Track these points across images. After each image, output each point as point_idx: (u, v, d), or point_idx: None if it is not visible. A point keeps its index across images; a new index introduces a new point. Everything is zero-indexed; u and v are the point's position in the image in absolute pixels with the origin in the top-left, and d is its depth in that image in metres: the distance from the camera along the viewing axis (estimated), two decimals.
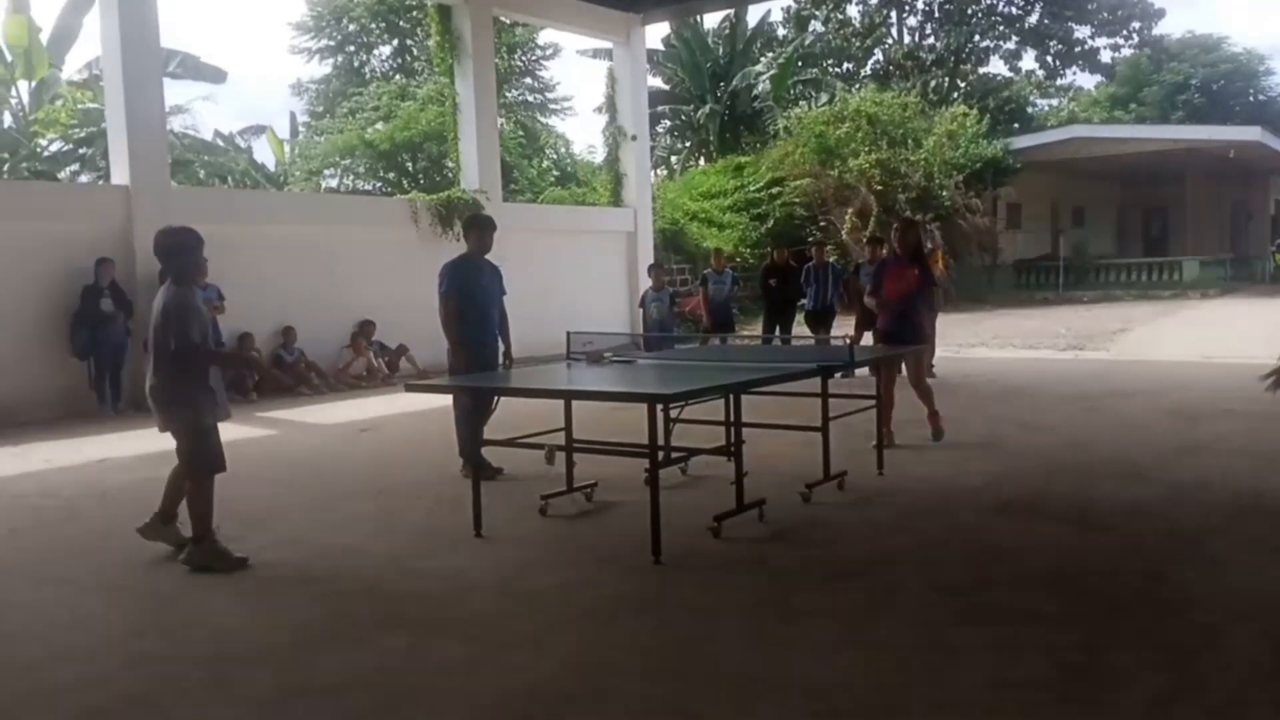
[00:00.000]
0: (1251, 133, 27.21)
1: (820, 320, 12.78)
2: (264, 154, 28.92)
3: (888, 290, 7.84)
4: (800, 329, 13.78)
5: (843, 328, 12.46)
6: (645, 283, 13.79)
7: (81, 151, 23.20)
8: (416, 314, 14.36)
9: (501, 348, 7.31)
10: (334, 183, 27.09)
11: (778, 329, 13.10)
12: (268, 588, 4.84)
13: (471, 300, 7.01)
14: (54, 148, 23.08)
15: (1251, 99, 43.55)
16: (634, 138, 18.62)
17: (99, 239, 11.18)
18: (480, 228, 7.23)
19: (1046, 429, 8.57)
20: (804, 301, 13.20)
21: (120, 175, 11.75)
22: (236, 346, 12.01)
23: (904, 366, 7.87)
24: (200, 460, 5.12)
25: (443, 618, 4.35)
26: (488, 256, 7.26)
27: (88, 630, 4.36)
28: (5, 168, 21.13)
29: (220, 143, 27.44)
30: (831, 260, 13.73)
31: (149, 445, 9.04)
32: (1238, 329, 16.84)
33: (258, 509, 6.46)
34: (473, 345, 7.00)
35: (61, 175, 22.48)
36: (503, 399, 6.47)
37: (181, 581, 4.98)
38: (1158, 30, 44.20)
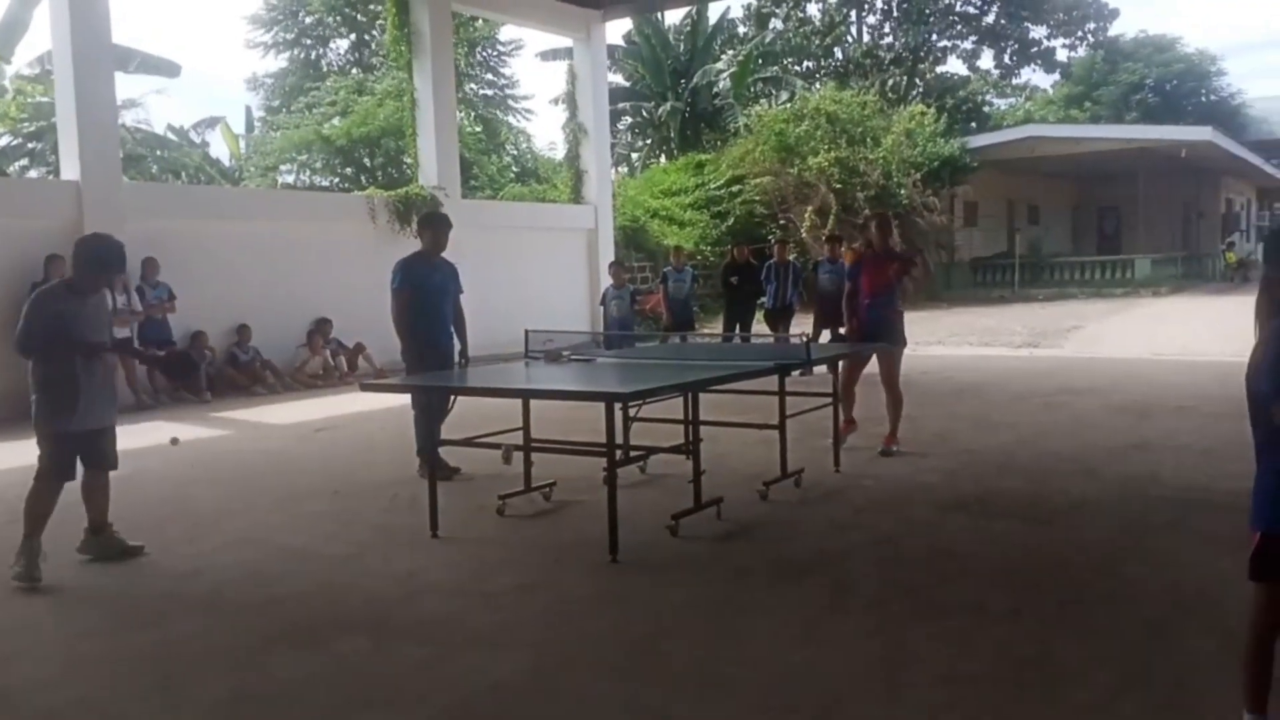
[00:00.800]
0: (1203, 133, 27.69)
1: (779, 318, 12.83)
2: (219, 149, 28.57)
3: (865, 286, 7.72)
4: (760, 327, 13.83)
5: (801, 325, 12.54)
6: (606, 280, 13.78)
7: (31, 146, 22.75)
8: (374, 312, 14.17)
9: (458, 346, 7.24)
10: (290, 178, 26.78)
11: (738, 327, 13.15)
12: (220, 590, 4.78)
13: (424, 298, 6.95)
14: (2, 142, 22.62)
15: (1203, 99, 44.37)
16: (585, 131, 18.59)
17: (49, 235, 10.94)
18: (435, 226, 7.15)
19: (1001, 426, 8.68)
20: (763, 299, 13.25)
21: (71, 171, 11.53)
22: (189, 345, 11.87)
23: (876, 366, 7.77)
24: (44, 462, 4.99)
25: (399, 619, 4.32)
26: (445, 255, 7.20)
27: (35, 632, 4.28)
28: None
29: (173, 137, 27.04)
30: (792, 258, 13.77)
31: None
32: (1189, 326, 17.15)
33: (210, 510, 6.38)
34: (423, 342, 6.94)
35: (10, 170, 22.03)
36: (460, 398, 6.43)
37: (131, 584, 4.90)
38: (1113, 31, 44.99)
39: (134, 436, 9.30)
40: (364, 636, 4.11)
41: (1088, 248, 34.60)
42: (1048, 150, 28.26)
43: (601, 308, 12.96)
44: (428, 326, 6.98)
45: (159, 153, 25.39)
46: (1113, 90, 42.46)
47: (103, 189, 11.48)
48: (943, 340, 16.25)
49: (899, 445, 7.54)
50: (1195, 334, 15.56)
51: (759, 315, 13.96)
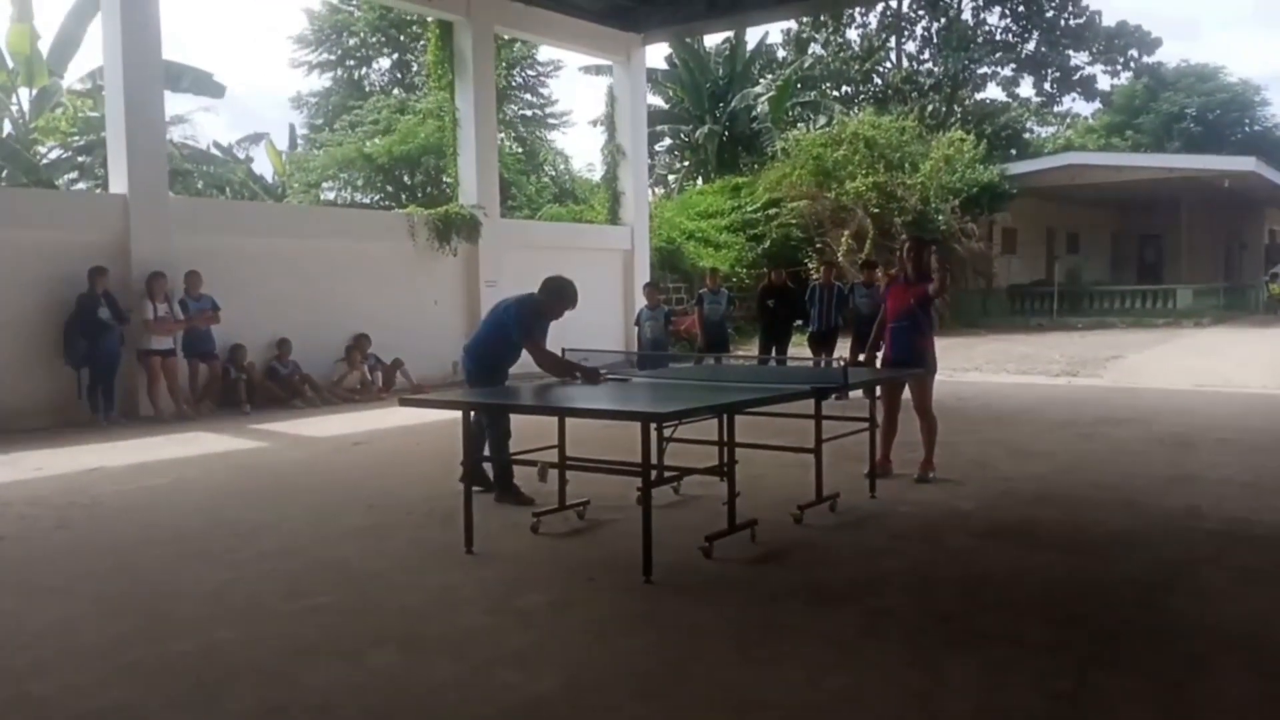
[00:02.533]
0: (1246, 163, 27.37)
1: (824, 342, 12.75)
2: (262, 164, 29.00)
3: (889, 309, 7.67)
4: (797, 349, 13.78)
5: (841, 350, 12.49)
6: (641, 301, 13.82)
7: (80, 159, 23.21)
8: (412, 328, 14.44)
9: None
10: (332, 195, 27.13)
11: (774, 350, 13.12)
12: (256, 601, 4.82)
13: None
14: (53, 155, 23.09)
15: (1247, 129, 43.91)
16: (624, 153, 18.71)
17: (96, 247, 11.19)
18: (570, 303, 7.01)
19: (1039, 455, 8.58)
20: (800, 322, 13.21)
21: (119, 184, 11.76)
22: (228, 357, 12.05)
23: (909, 392, 7.72)
24: None
25: (432, 634, 4.34)
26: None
27: (74, 640, 4.33)
28: (4, 174, 21.12)
29: (219, 153, 27.49)
30: (837, 282, 13.64)
31: (140, 455, 9.06)
32: (1231, 358, 16.89)
33: (248, 520, 6.44)
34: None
35: (59, 183, 22.48)
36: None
37: (170, 593, 4.95)
38: (1154, 58, 44.66)
39: (176, 446, 9.45)
40: (397, 650, 4.12)
41: (1128, 277, 34.24)
42: (1088, 178, 28.06)
43: (636, 328, 13.00)
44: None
45: (205, 168, 25.82)
46: (1154, 119, 42.13)
47: (150, 203, 11.72)
48: (979, 367, 16.12)
49: (935, 472, 7.48)
50: (1238, 366, 15.33)
51: (800, 339, 13.91)
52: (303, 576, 5.22)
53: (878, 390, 7.43)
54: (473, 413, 6.05)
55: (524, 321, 6.75)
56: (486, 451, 6.79)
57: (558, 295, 6.90)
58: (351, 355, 13.40)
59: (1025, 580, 5.07)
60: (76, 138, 22.55)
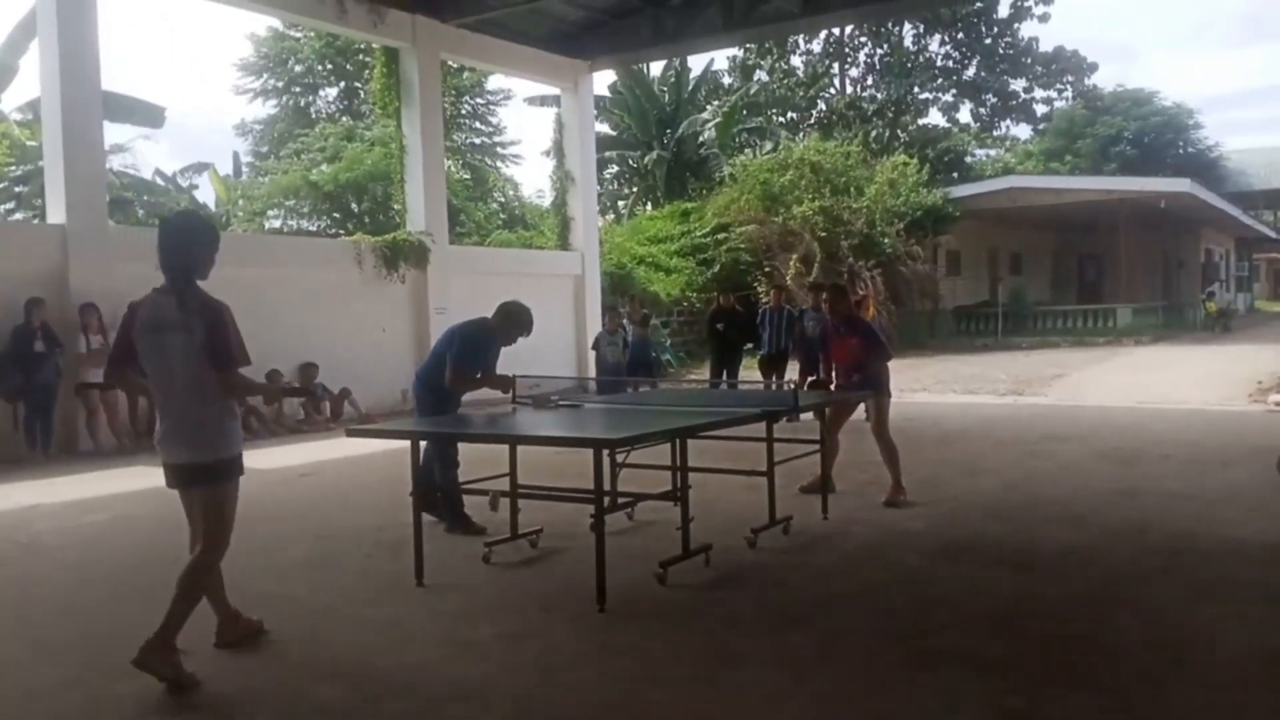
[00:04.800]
0: (1182, 184, 28.08)
1: (775, 364, 12.79)
2: (206, 194, 28.59)
3: (838, 357, 7.73)
4: (748, 372, 13.82)
5: (791, 373, 12.55)
6: (594, 325, 13.78)
7: (18, 190, 22.73)
8: (360, 357, 14.27)
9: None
10: (277, 223, 26.80)
11: (725, 373, 13.15)
12: (201, 639, 4.68)
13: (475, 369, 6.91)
14: None
15: (1182, 151, 45.01)
16: (573, 179, 18.77)
17: (33, 279, 10.93)
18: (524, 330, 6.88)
19: (986, 473, 8.67)
20: (751, 345, 13.26)
21: (57, 214, 11.52)
22: None
23: (866, 414, 7.74)
24: None
25: (381, 669, 4.25)
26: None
27: (14, 684, 4.18)
28: None
29: (161, 182, 27.06)
30: (787, 305, 13.69)
31: (80, 491, 8.83)
32: (1171, 375, 17.24)
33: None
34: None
35: None
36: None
37: (109, 633, 4.81)
38: (1090, 82, 45.75)
39: (116, 481, 9.22)
40: (346, 686, 4.03)
41: (1069, 296, 34.88)
42: (1029, 200, 28.59)
43: (594, 352, 12.95)
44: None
45: (146, 197, 25.39)
46: (1092, 143, 43.08)
47: (89, 233, 11.49)
48: (927, 387, 16.30)
49: (905, 495, 7.42)
50: (1177, 382, 15.64)
51: (750, 362, 13.95)
52: (249, 611, 5.07)
53: (827, 411, 7.46)
54: (422, 442, 5.97)
55: (462, 350, 6.66)
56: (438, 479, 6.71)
57: (512, 321, 6.81)
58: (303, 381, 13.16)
59: (976, 598, 5.10)
60: (13, 167, 22.09)
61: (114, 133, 22.91)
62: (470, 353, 6.67)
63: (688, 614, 4.93)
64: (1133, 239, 29.61)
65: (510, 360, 6.97)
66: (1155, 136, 44.04)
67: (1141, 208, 28.20)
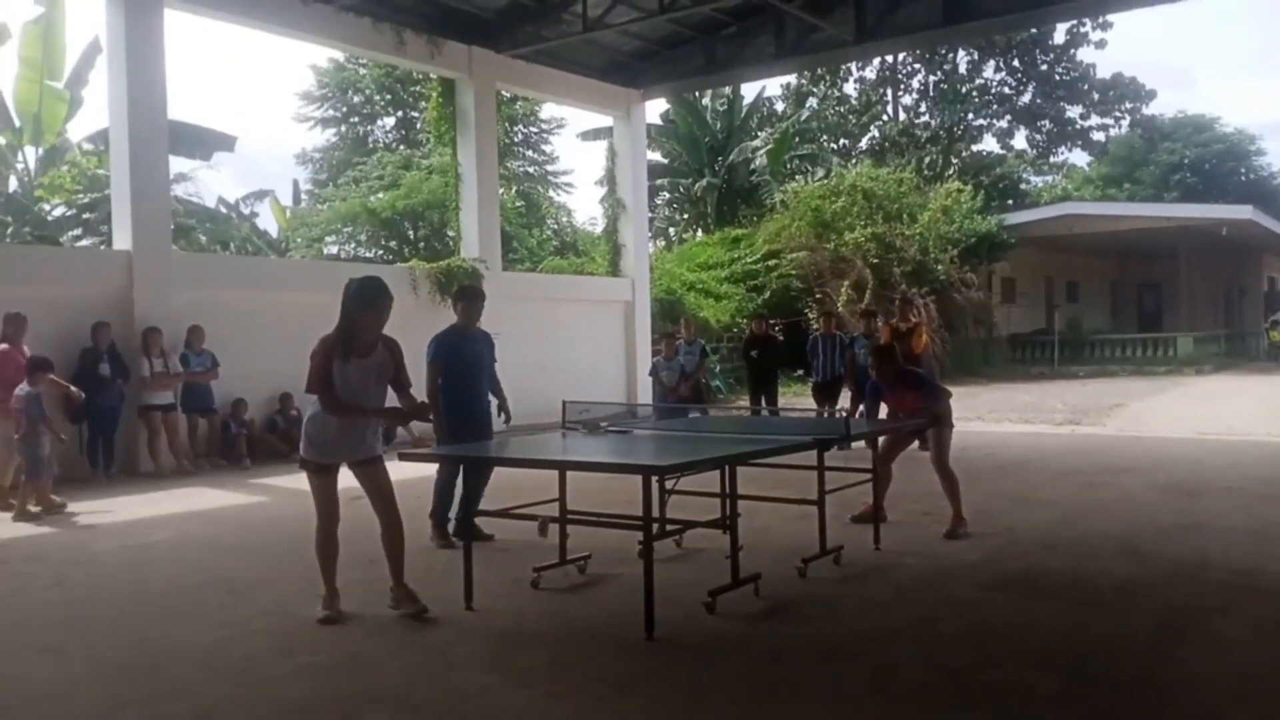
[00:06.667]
0: (1243, 211, 27.55)
1: (828, 391, 12.69)
2: (267, 221, 29.18)
3: (899, 409, 7.59)
4: (800, 399, 13.74)
5: (844, 400, 12.45)
6: (644, 352, 13.82)
7: (86, 216, 23.36)
8: (415, 381, 14.38)
9: (496, 402, 7.41)
10: (335, 250, 27.26)
11: (763, 399, 13.10)
12: (251, 660, 4.75)
13: (459, 369, 7.11)
14: (57, 212, 23.26)
15: (1244, 177, 44.23)
16: (624, 206, 18.90)
17: (99, 303, 11.22)
18: (467, 299, 7.41)
19: (1043, 504, 8.52)
20: (801, 372, 13.20)
21: (123, 241, 11.83)
22: (229, 413, 12.03)
23: (924, 445, 7.63)
24: None
25: (428, 693, 4.26)
26: (481, 325, 7.38)
27: (67, 702, 4.26)
28: (9, 232, 21.26)
29: (223, 209, 27.68)
30: (839, 332, 13.58)
31: (140, 511, 9.00)
32: (1233, 406, 16.84)
33: (245, 577, 6.38)
34: (458, 412, 7.06)
35: (63, 240, 22.61)
36: (497, 468, 6.43)
37: (163, 651, 4.89)
38: (1149, 109, 45.08)
39: (175, 502, 9.39)
40: (392, 710, 4.05)
41: (1127, 325, 34.29)
42: (1086, 228, 28.22)
43: (650, 378, 12.98)
44: (461, 397, 7.11)
45: (208, 224, 25.96)
46: (1153, 170, 42.48)
47: (153, 259, 11.78)
48: (983, 416, 16.07)
49: (966, 527, 7.30)
50: (1240, 413, 15.27)
51: (802, 389, 13.87)
52: (298, 634, 5.15)
53: (880, 440, 7.39)
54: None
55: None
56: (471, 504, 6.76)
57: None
58: None
59: (1033, 632, 4.99)
60: (81, 195, 22.73)
61: (178, 162, 23.47)
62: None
63: (736, 644, 4.89)
64: (1193, 267, 29.11)
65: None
66: (1216, 163, 43.35)
67: (1202, 235, 27.71)
